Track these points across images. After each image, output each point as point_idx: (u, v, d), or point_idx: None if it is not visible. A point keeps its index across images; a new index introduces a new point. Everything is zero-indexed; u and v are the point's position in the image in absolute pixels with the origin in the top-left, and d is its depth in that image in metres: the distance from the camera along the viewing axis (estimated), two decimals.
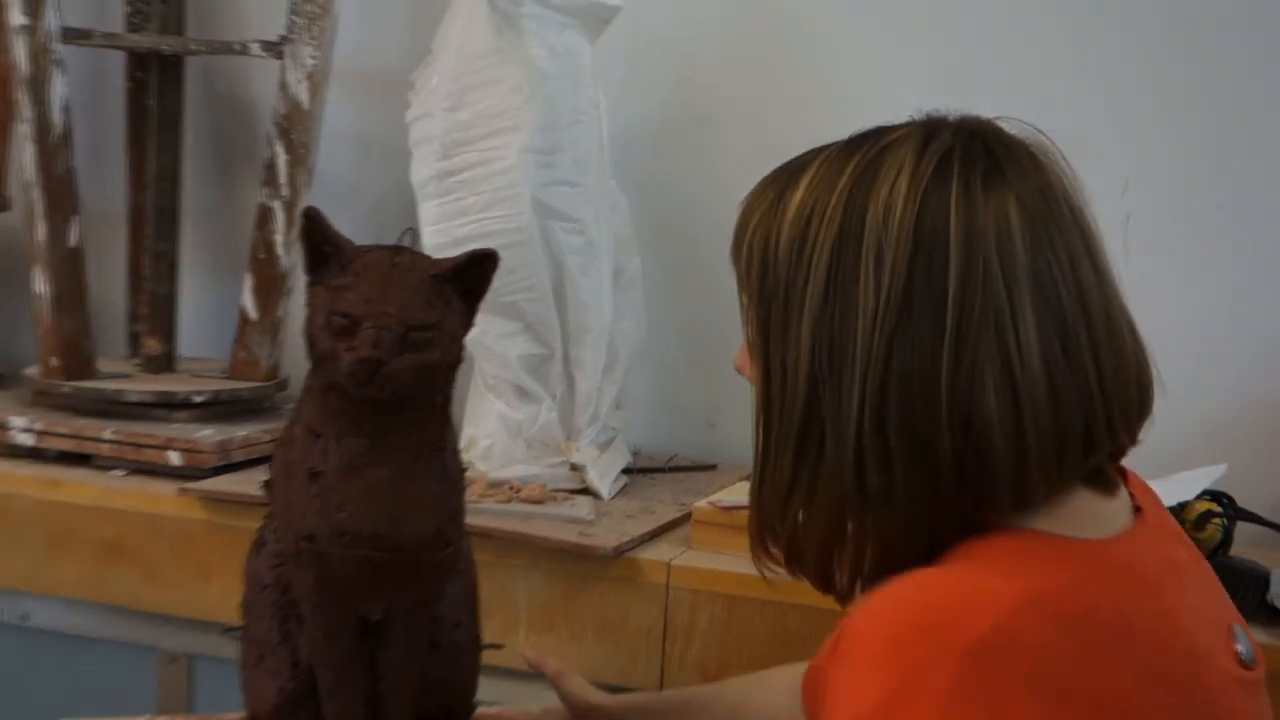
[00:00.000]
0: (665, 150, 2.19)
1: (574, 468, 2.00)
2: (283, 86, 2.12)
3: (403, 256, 1.34)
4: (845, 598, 1.10)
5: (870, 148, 1.06)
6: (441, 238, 1.91)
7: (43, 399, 2.18)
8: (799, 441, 1.03)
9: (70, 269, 2.17)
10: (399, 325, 1.29)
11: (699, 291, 2.20)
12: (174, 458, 2.02)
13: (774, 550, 1.11)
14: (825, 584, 1.09)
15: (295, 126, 2.12)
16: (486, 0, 1.94)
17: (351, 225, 1.38)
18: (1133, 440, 1.06)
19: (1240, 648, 1.06)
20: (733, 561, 1.78)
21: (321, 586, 1.36)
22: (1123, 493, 1.09)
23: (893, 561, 1.03)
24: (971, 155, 1.03)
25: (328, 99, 2.15)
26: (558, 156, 1.96)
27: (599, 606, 1.81)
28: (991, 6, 1.99)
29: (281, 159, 2.12)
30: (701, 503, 1.87)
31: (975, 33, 1.99)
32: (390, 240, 1.39)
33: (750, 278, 1.08)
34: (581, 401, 2.01)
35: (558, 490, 1.96)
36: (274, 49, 2.13)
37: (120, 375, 2.23)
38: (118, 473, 2.06)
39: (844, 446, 1.01)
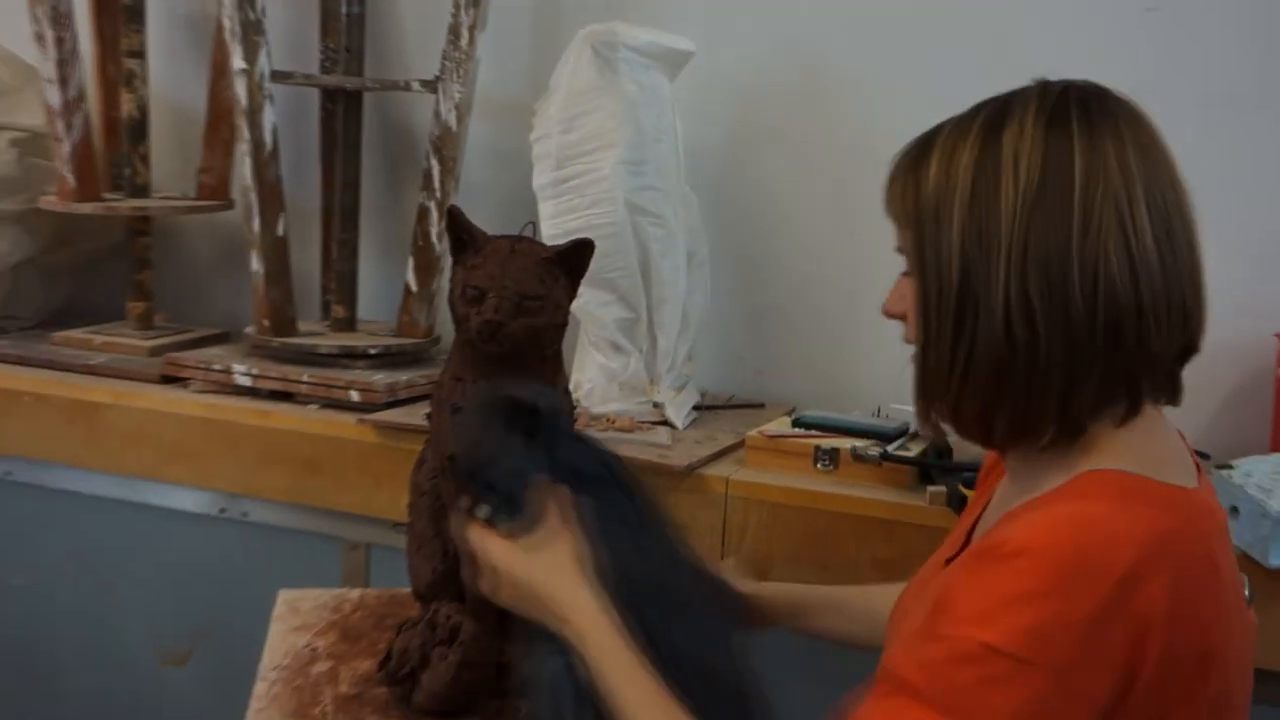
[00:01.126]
0: (727, 162, 2.17)
1: (655, 405, 2.00)
2: (436, 114, 2.12)
3: (521, 244, 1.36)
4: (1016, 440, 1.05)
5: (996, 101, 1.04)
6: (556, 230, 1.91)
7: (257, 351, 2.20)
8: (957, 318, 1.00)
9: (277, 253, 2.18)
10: (515, 295, 1.31)
11: (752, 271, 2.18)
12: (354, 395, 2.05)
13: (937, 418, 1.07)
14: (985, 439, 1.06)
15: (446, 145, 2.12)
16: (590, 47, 1.93)
17: (488, 220, 1.40)
18: (1198, 345, 1.04)
19: (1246, 593, 1.06)
20: (776, 477, 1.79)
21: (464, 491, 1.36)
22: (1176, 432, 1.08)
23: (1038, 410, 1.01)
24: (1086, 100, 1.01)
25: (470, 123, 2.15)
26: (644, 167, 1.95)
27: (674, 510, 1.78)
28: (998, 50, 1.94)
29: (435, 169, 2.12)
30: (753, 432, 1.87)
31: (983, 69, 1.95)
32: (514, 231, 1.40)
33: (905, 209, 1.05)
34: (661, 355, 2.01)
35: (643, 422, 1.96)
36: (430, 85, 2.13)
37: (315, 333, 2.24)
38: (312, 407, 2.08)
39: (995, 311, 0.98)
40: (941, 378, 1.04)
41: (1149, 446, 1.02)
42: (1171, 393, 1.05)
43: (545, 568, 1.15)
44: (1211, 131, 1.82)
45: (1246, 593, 1.07)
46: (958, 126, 1.04)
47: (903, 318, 1.10)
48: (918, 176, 1.04)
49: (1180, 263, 1.00)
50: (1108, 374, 0.99)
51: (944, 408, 1.06)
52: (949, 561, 1.16)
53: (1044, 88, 1.03)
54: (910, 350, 1.09)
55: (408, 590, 1.54)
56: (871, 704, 0.96)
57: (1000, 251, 0.98)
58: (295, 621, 1.55)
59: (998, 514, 1.10)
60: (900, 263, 1.09)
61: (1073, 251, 0.97)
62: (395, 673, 1.39)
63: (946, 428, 1.08)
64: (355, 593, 1.64)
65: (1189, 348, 1.04)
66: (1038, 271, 0.97)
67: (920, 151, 1.05)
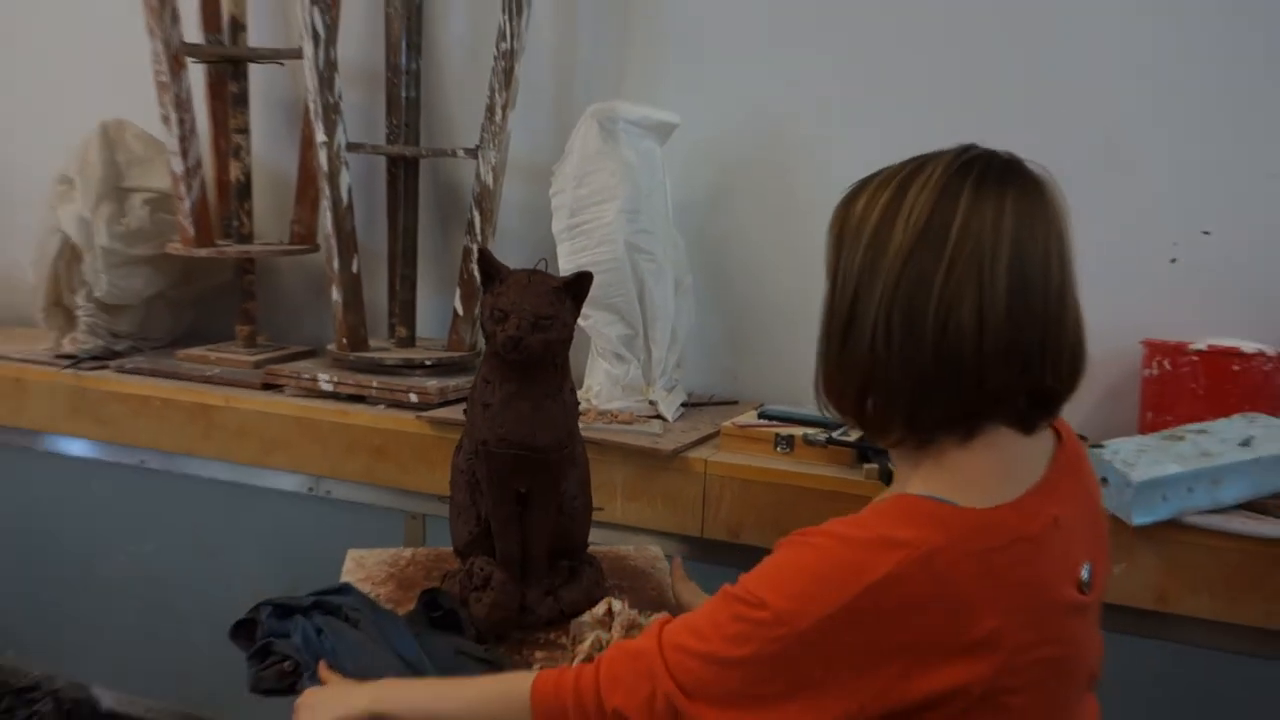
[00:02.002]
0: (707, 210, 2.17)
1: (651, 403, 1.99)
2: (477, 175, 2.11)
3: (536, 275, 1.36)
4: (873, 435, 1.03)
5: (924, 156, 1.01)
6: (570, 265, 1.92)
7: (337, 363, 2.20)
8: (843, 329, 0.99)
9: (353, 286, 2.18)
10: (532, 315, 1.32)
11: (728, 296, 2.18)
12: (413, 397, 2.04)
13: (828, 401, 1.04)
14: (859, 423, 1.02)
15: (485, 199, 2.11)
16: (596, 121, 1.94)
17: (518, 257, 1.41)
18: (1066, 391, 0.98)
19: (1083, 575, 0.99)
20: (746, 458, 1.80)
21: (491, 472, 1.39)
22: (1034, 445, 1.01)
23: (889, 415, 0.99)
24: (989, 165, 0.97)
25: (504, 181, 2.15)
26: (640, 215, 1.94)
27: (664, 485, 1.81)
28: (933, 119, 1.94)
29: (477, 219, 2.12)
30: (727, 423, 1.88)
31: (920, 136, 1.95)
32: (531, 266, 1.40)
33: (831, 238, 1.03)
34: (655, 363, 2.00)
35: (640, 416, 1.96)
36: (472, 152, 2.13)
37: (382, 349, 2.24)
38: (381, 406, 2.07)
39: (866, 329, 0.96)
40: (830, 370, 1.02)
41: (975, 468, 0.97)
42: (1020, 423, 0.98)
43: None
44: (1095, 182, 1.83)
45: (1084, 574, 1.00)
46: (888, 174, 1.01)
47: None
48: (847, 209, 1.02)
49: (1030, 322, 0.94)
50: (948, 402, 0.96)
51: (832, 394, 1.04)
52: None
53: (962, 150, 1.00)
54: None
55: (449, 549, 1.55)
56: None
57: (880, 280, 0.96)
58: (361, 574, 1.55)
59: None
60: None
61: (933, 294, 0.94)
62: None
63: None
64: (408, 551, 1.64)
65: (1039, 389, 0.96)
66: (902, 304, 0.95)
67: (857, 190, 1.03)
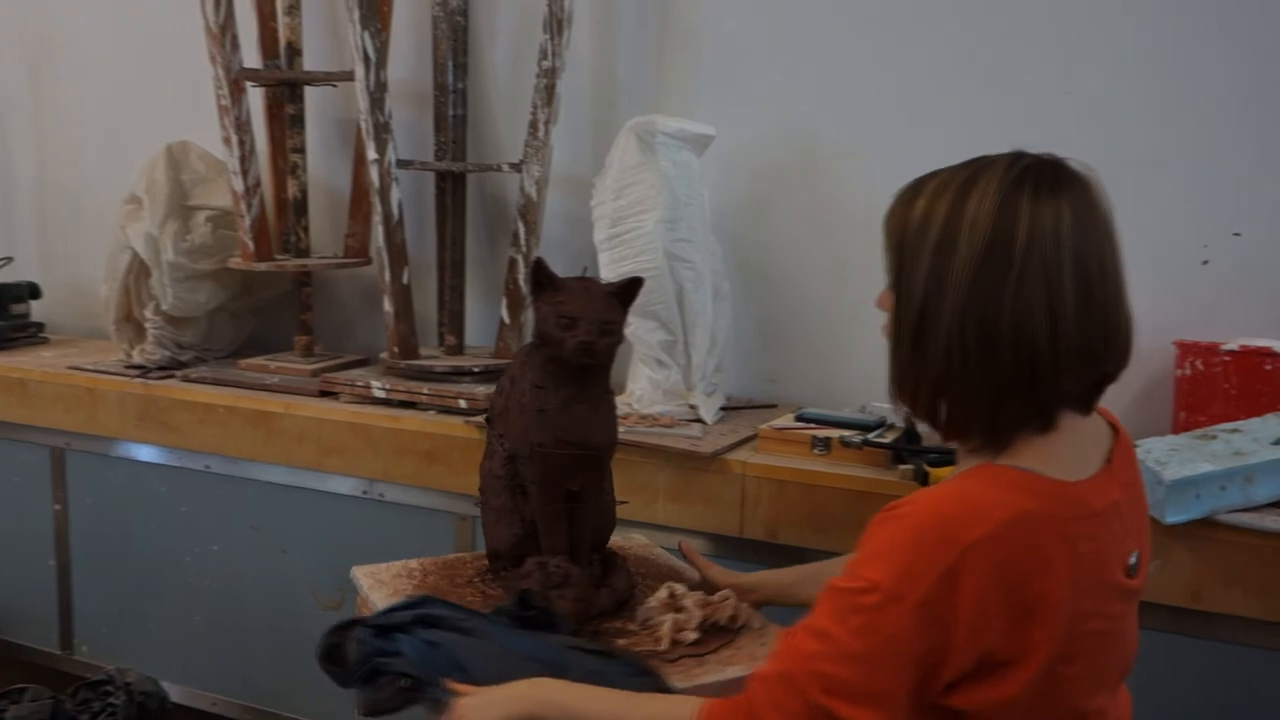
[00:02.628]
0: (743, 218, 2.16)
1: (691, 406, 1.99)
2: (521, 188, 2.13)
3: (589, 282, 1.39)
4: (945, 436, 1.05)
5: (978, 162, 1.02)
6: (611, 273, 1.93)
7: (389, 371, 2.21)
8: (914, 337, 1.00)
9: (404, 297, 2.20)
10: (599, 321, 1.33)
11: (766, 302, 2.17)
12: (462, 403, 2.06)
13: (901, 404, 1.06)
14: (933, 424, 1.04)
15: (529, 211, 2.13)
16: (635, 134, 1.95)
17: (560, 267, 1.40)
18: (1114, 376, 1.02)
19: (1131, 561, 1.04)
20: (782, 460, 1.79)
21: (545, 472, 1.40)
22: (1097, 430, 1.06)
23: (967, 420, 1.01)
24: (1041, 172, 0.99)
25: (547, 194, 2.16)
26: (678, 225, 1.95)
27: (704, 486, 1.81)
28: (963, 127, 1.93)
29: (521, 230, 2.13)
30: (764, 426, 1.87)
31: (949, 144, 1.93)
32: (574, 273, 1.42)
33: (891, 238, 1.04)
34: (695, 368, 2.00)
35: (681, 420, 1.96)
36: (516, 167, 2.14)
37: (432, 357, 2.25)
38: (431, 412, 2.08)
39: (940, 340, 0.98)
40: (902, 377, 1.04)
41: (1051, 445, 1.01)
42: (1083, 408, 1.03)
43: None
44: (1126, 184, 1.81)
45: (1132, 559, 1.04)
46: (943, 179, 1.02)
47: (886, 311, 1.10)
48: (906, 212, 1.03)
49: (1095, 321, 0.97)
50: (1026, 403, 0.99)
51: (905, 399, 1.06)
52: None
53: (1015, 158, 1.01)
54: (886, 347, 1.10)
55: (456, 555, 1.58)
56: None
57: (950, 296, 0.97)
58: (387, 590, 1.48)
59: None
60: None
61: (1005, 308, 0.96)
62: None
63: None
64: (414, 561, 1.58)
65: (1102, 380, 1.02)
66: (975, 319, 0.97)
67: (913, 192, 1.04)
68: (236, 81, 2.24)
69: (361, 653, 1.24)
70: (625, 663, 1.22)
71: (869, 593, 0.93)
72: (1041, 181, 0.98)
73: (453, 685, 1.19)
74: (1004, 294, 0.96)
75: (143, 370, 2.38)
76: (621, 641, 1.35)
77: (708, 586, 1.45)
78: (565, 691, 1.13)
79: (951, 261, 0.98)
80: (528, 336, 1.44)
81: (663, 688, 1.19)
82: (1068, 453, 1.01)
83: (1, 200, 3.06)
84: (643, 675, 1.20)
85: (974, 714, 0.97)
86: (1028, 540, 0.94)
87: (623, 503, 1.55)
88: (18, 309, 2.73)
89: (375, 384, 2.15)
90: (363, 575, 1.54)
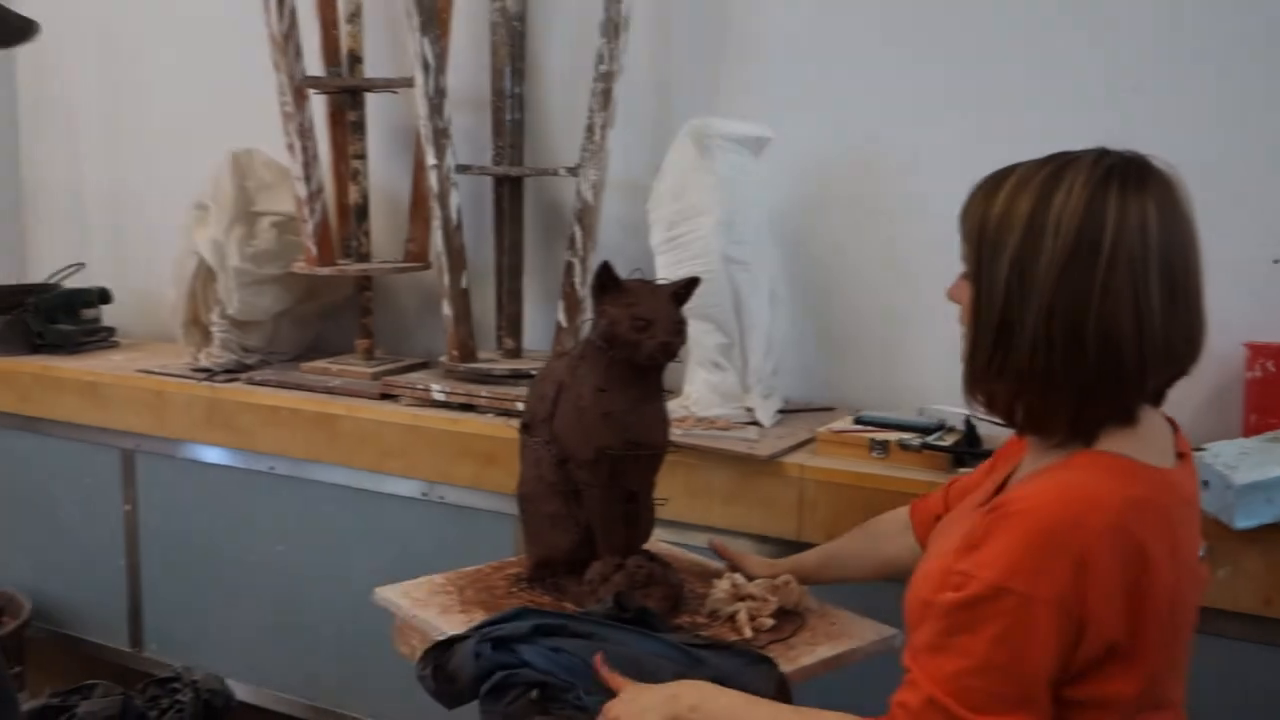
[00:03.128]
0: (801, 221, 2.15)
1: (748, 409, 1.99)
2: (578, 192, 2.14)
3: (651, 284, 1.40)
4: (1024, 432, 1.07)
5: (1061, 158, 1.01)
6: (668, 277, 1.89)
7: (449, 374, 2.24)
8: (996, 334, 1.00)
9: (463, 301, 2.23)
10: (674, 321, 1.35)
11: (824, 305, 2.16)
12: (520, 406, 1.98)
13: (977, 397, 1.07)
14: (1008, 420, 1.06)
15: (586, 215, 2.14)
16: (692, 137, 1.96)
17: (617, 269, 1.40)
18: (1187, 372, 1.03)
19: (1201, 553, 1.07)
20: (840, 463, 1.79)
21: (610, 474, 1.41)
22: (1162, 422, 1.06)
23: (1049, 417, 1.02)
24: (1128, 171, 0.99)
25: (604, 198, 2.17)
26: (735, 228, 1.94)
27: (761, 489, 1.81)
28: (1013, 128, 1.90)
29: (578, 234, 2.14)
30: (823, 429, 1.87)
31: (1000, 144, 1.92)
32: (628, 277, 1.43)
33: (971, 231, 1.04)
34: (752, 371, 2.00)
35: (737, 423, 1.95)
36: (573, 171, 2.16)
37: (491, 360, 2.27)
38: (490, 415, 2.10)
39: (1024, 341, 0.98)
40: (980, 373, 1.05)
41: (1136, 437, 1.02)
42: (1156, 401, 1.05)
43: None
44: (1193, 184, 1.78)
45: (1201, 552, 1.06)
46: (1026, 174, 1.02)
47: (960, 304, 1.10)
48: (987, 206, 1.02)
49: (1179, 320, 0.98)
50: (1111, 401, 0.99)
51: (981, 394, 1.06)
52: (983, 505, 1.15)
53: (1099, 155, 1.00)
54: (957, 342, 1.10)
55: (475, 568, 1.58)
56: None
57: (1035, 295, 0.97)
58: (433, 607, 1.45)
59: (1019, 479, 1.10)
60: (955, 261, 1.09)
61: (1092, 308, 0.96)
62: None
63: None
64: (439, 577, 1.56)
65: (1178, 375, 1.03)
66: (1062, 318, 0.97)
67: (994, 185, 1.03)
68: (299, 89, 2.29)
69: (481, 668, 1.21)
70: (738, 653, 1.23)
71: (999, 599, 0.93)
72: (1128, 179, 0.98)
73: (609, 676, 1.17)
74: (1091, 292, 0.96)
75: (209, 373, 2.44)
76: (705, 635, 1.36)
77: (746, 577, 1.48)
78: (723, 696, 1.12)
79: (1037, 259, 0.98)
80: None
81: (779, 675, 1.21)
82: (1150, 443, 1.02)
83: (73, 208, 3.16)
84: (760, 664, 1.22)
85: (1089, 704, 0.97)
86: (1142, 527, 0.95)
87: (662, 502, 1.56)
88: (89, 314, 2.80)
89: (435, 387, 2.17)
90: (397, 595, 1.51)
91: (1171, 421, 1.10)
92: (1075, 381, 0.98)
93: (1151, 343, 0.96)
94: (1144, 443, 1.02)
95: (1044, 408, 1.01)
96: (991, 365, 1.02)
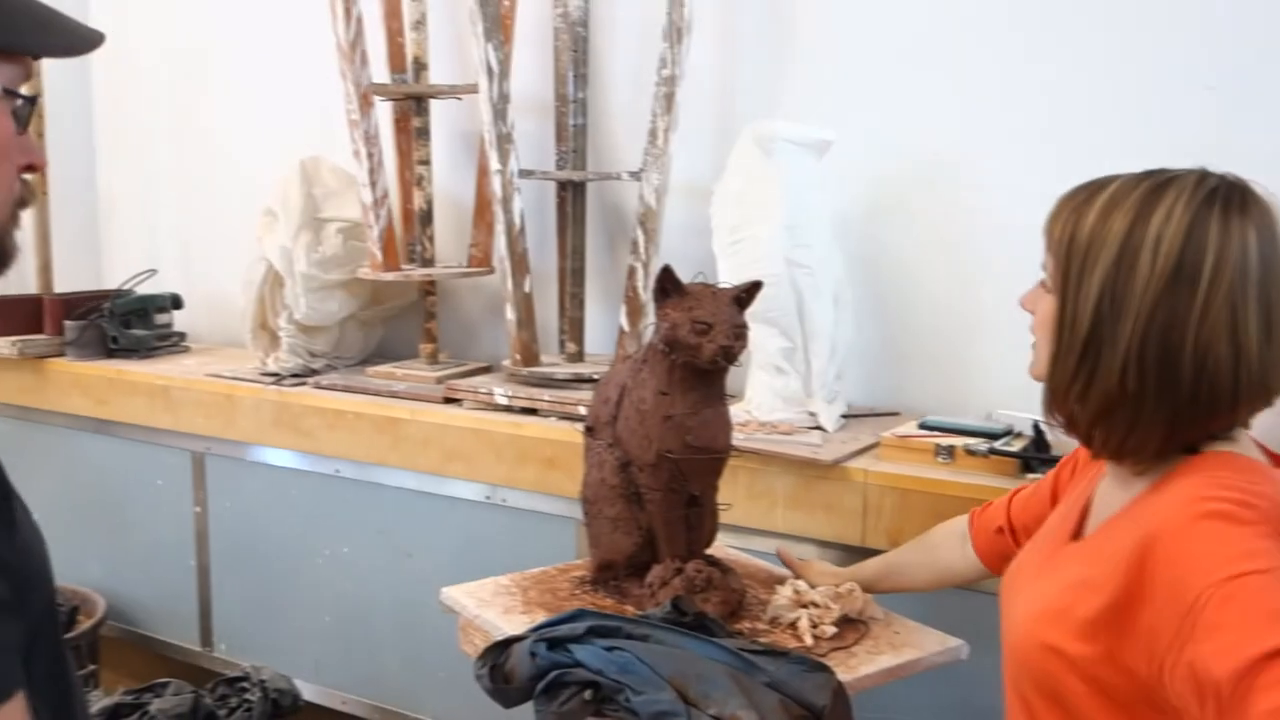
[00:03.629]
0: (864, 224, 2.14)
1: (811, 414, 1.98)
2: (641, 197, 2.15)
3: (712, 287, 1.40)
4: (1097, 454, 1.05)
5: (1159, 176, 1.00)
6: (731, 281, 1.89)
7: (511, 378, 2.26)
8: (1082, 354, 0.99)
9: (526, 305, 2.24)
10: (734, 325, 1.36)
11: (887, 308, 2.14)
12: (583, 410, 2.03)
13: (1057, 417, 1.05)
14: (1087, 444, 1.04)
15: (648, 219, 2.15)
16: (755, 140, 1.95)
17: (679, 273, 1.42)
18: (1271, 405, 1.00)
19: None
20: (905, 468, 1.77)
21: (672, 478, 1.42)
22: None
23: (1136, 444, 1.00)
24: (1230, 195, 0.97)
25: (666, 202, 2.17)
26: (798, 231, 1.94)
27: (825, 494, 1.80)
28: (1080, 137, 1.88)
29: (641, 239, 2.15)
30: (887, 434, 1.86)
31: (1067, 154, 1.89)
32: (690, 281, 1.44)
33: (1058, 244, 1.02)
34: (815, 375, 1.99)
35: (801, 427, 1.95)
36: (635, 175, 2.17)
37: (553, 364, 2.29)
38: (552, 419, 2.11)
39: (1114, 363, 0.96)
40: (1062, 392, 1.03)
41: (1239, 448, 1.01)
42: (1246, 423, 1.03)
43: None
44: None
45: None
46: (1121, 189, 1.00)
47: (1033, 313, 1.09)
48: (1077, 219, 1.00)
49: (1274, 352, 0.96)
50: (1199, 431, 0.98)
51: (1061, 414, 1.04)
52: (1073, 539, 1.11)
53: (1201, 178, 0.98)
54: (1025, 348, 1.09)
55: (541, 569, 1.59)
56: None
57: (1129, 316, 0.96)
58: (496, 608, 1.47)
59: (1109, 507, 1.07)
60: (1023, 272, 1.08)
61: (1189, 334, 0.94)
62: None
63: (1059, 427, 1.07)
64: (504, 578, 1.58)
65: (1267, 405, 1.00)
66: (1156, 343, 0.95)
67: (1087, 197, 1.01)
68: (365, 96, 2.33)
69: (537, 667, 1.22)
70: (795, 660, 1.23)
71: (1246, 578, 0.87)
72: (1230, 203, 0.96)
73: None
74: (1189, 319, 0.94)
75: (277, 377, 2.49)
76: (764, 640, 1.36)
77: (809, 585, 1.48)
78: None
79: (1132, 280, 0.96)
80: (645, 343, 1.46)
81: (836, 683, 1.20)
82: (1248, 448, 1.01)
83: (147, 215, 3.25)
84: (817, 671, 1.21)
85: None
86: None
87: (726, 506, 1.56)
88: (161, 319, 2.88)
89: (498, 391, 2.20)
90: (462, 595, 1.54)
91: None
92: (1167, 407, 0.96)
93: (1247, 375, 0.95)
94: (1242, 447, 1.01)
95: (1130, 432, 0.99)
96: (1075, 385, 1.00)
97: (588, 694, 1.19)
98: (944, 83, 2.05)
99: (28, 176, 0.87)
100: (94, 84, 3.27)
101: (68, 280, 3.05)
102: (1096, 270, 0.98)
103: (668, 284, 1.39)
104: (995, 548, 1.38)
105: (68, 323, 2.75)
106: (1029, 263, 1.14)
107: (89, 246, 3.32)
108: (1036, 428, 1.74)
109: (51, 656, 0.86)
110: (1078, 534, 1.11)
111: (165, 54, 3.09)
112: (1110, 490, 1.09)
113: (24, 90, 0.85)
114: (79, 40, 0.87)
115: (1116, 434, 1.00)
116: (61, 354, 2.77)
